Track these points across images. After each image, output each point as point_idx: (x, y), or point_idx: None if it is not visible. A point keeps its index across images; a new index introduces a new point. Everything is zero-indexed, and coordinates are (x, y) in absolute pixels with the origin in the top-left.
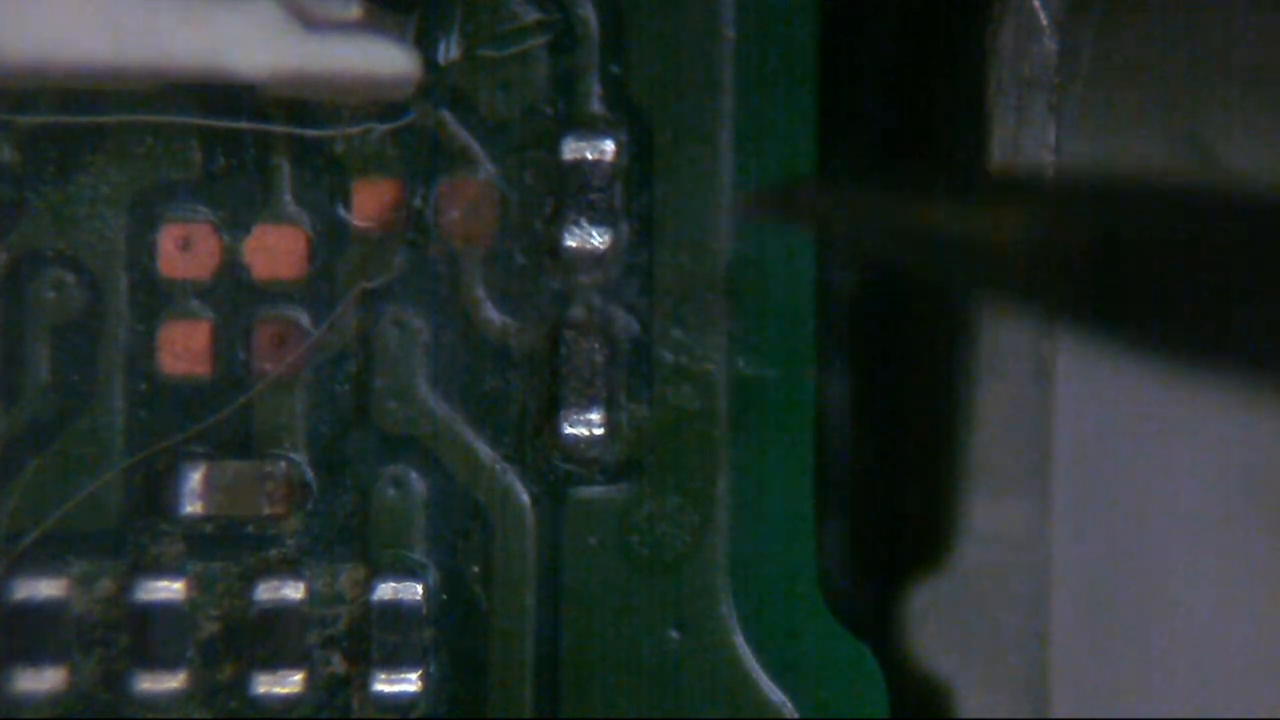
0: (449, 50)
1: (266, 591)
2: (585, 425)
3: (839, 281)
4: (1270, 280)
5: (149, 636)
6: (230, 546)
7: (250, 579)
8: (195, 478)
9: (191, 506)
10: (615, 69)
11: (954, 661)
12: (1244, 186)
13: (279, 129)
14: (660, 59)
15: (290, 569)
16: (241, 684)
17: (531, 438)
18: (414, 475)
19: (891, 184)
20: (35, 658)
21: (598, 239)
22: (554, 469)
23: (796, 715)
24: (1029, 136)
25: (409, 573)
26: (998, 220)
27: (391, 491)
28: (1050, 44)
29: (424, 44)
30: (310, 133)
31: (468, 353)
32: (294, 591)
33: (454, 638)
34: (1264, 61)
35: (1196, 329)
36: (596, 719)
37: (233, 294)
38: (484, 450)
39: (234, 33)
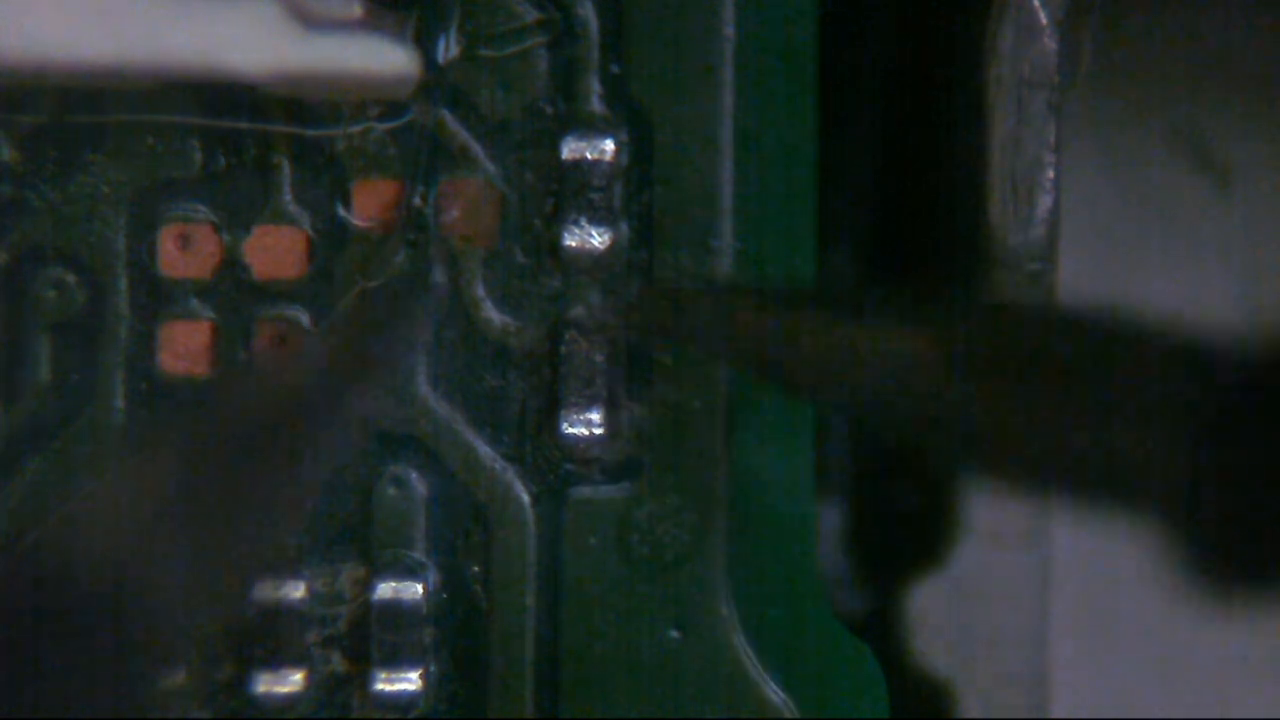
0: (449, 49)
1: (266, 590)
2: (585, 425)
3: (838, 281)
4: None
5: None
6: None
7: None
8: None
9: None
10: (615, 68)
11: (954, 661)
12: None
13: (279, 128)
14: (660, 59)
15: (290, 568)
16: (241, 683)
17: (531, 437)
18: (414, 475)
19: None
20: None
21: (598, 239)
22: (554, 469)
23: (796, 715)
24: (1029, 136)
25: (409, 572)
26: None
27: (391, 491)
28: (1050, 44)
29: (424, 43)
30: (310, 132)
31: (468, 353)
32: (294, 590)
33: (454, 637)
34: (1264, 61)
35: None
36: (596, 719)
37: (233, 294)
38: (484, 450)
39: (234, 32)
